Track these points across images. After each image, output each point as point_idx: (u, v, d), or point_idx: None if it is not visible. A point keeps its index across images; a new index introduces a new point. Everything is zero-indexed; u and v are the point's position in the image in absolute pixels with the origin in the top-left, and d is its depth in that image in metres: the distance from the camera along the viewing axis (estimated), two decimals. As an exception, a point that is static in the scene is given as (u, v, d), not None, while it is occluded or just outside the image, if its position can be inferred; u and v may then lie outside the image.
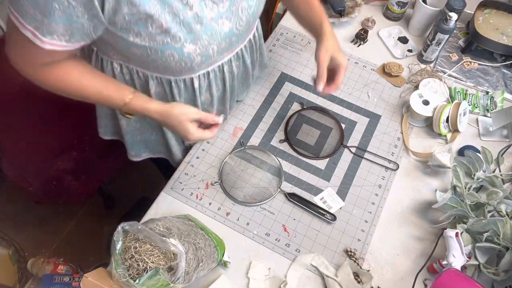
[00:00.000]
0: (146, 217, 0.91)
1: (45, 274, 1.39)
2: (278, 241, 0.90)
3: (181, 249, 0.65)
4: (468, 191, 0.89)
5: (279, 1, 1.46)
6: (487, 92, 1.15)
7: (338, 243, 0.90)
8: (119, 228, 0.65)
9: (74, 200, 1.57)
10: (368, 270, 0.86)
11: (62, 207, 1.72)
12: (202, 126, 0.82)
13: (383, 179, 1.00)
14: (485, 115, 1.11)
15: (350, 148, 1.04)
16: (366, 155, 1.03)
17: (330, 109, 1.10)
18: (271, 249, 0.89)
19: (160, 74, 0.81)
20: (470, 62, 1.20)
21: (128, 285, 0.64)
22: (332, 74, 0.87)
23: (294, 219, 0.93)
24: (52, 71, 0.72)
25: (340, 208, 0.95)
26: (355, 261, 0.86)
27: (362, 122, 1.08)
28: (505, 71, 1.19)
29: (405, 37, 1.26)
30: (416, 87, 1.13)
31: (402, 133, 1.07)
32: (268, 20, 1.53)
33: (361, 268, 0.86)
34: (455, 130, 1.05)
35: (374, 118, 1.09)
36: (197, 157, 1.00)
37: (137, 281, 0.63)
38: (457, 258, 0.78)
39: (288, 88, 1.14)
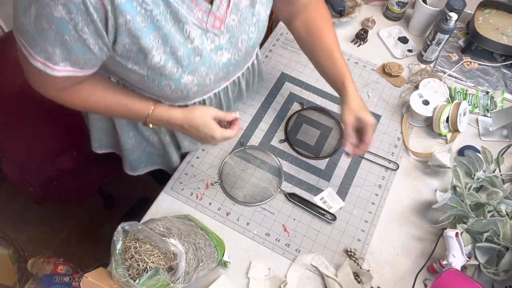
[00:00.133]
0: (146, 217, 0.91)
1: (45, 274, 1.39)
2: (278, 241, 0.90)
3: (181, 249, 0.65)
4: (468, 191, 0.89)
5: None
6: (487, 92, 1.15)
7: (338, 243, 0.90)
8: (119, 228, 0.65)
9: (74, 200, 1.57)
10: (368, 270, 0.86)
11: (62, 207, 1.72)
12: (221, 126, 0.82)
13: (383, 179, 1.00)
14: (485, 115, 1.11)
15: (350, 148, 1.04)
16: (366, 155, 1.03)
17: (330, 109, 1.10)
18: (271, 249, 0.89)
19: (155, 97, 0.80)
20: (470, 62, 1.20)
21: (128, 285, 0.64)
22: (360, 133, 0.85)
23: (294, 219, 0.93)
24: (75, 93, 0.71)
25: (340, 208, 0.95)
26: (355, 261, 0.86)
27: (362, 122, 1.08)
28: (505, 71, 1.19)
29: (405, 37, 1.26)
30: (416, 87, 1.13)
31: (402, 133, 1.07)
32: (268, 20, 1.53)
33: (361, 268, 0.86)
34: (455, 130, 1.05)
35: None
36: (197, 157, 1.00)
37: (137, 281, 0.63)
38: (457, 258, 0.78)
39: (288, 88, 1.14)
